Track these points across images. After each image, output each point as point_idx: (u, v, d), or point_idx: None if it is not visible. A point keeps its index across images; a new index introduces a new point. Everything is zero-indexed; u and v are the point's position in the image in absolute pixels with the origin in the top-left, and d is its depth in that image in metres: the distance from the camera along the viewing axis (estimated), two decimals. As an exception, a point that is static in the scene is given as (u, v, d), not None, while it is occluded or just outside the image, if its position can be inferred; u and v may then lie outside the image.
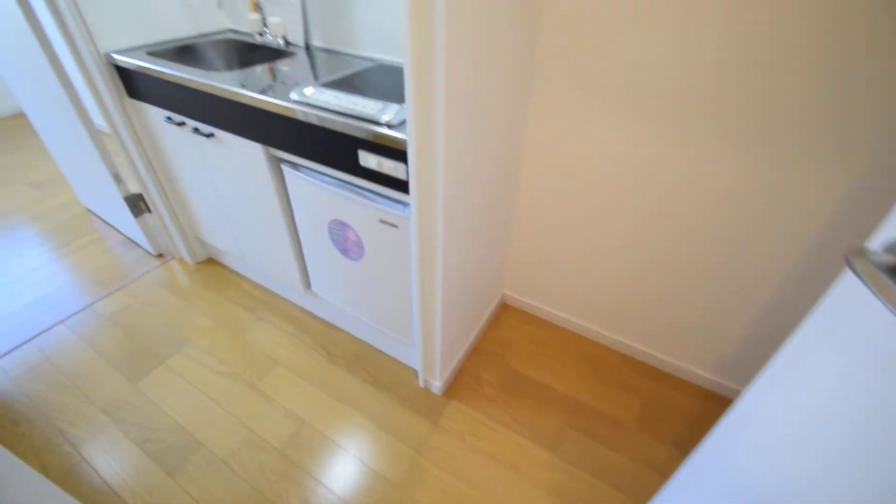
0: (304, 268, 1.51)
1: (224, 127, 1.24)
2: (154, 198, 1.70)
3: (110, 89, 1.40)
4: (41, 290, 1.75)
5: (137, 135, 1.52)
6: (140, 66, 1.29)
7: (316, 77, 1.21)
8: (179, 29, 1.52)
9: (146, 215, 1.82)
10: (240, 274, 1.85)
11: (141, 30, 1.42)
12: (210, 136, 1.29)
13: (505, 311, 1.72)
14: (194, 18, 1.55)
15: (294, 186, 1.23)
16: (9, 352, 1.51)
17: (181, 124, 1.34)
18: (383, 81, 1.14)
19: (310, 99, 1.02)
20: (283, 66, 1.31)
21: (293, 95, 1.04)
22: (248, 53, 1.57)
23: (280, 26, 1.46)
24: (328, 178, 1.15)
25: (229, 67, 1.61)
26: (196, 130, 1.32)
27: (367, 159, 0.99)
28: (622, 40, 1.01)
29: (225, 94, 1.13)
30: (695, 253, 1.21)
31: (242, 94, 1.09)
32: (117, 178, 1.69)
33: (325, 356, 1.51)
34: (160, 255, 1.94)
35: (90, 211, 2.22)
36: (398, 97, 1.02)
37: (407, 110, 0.81)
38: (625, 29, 1.00)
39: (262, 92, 1.09)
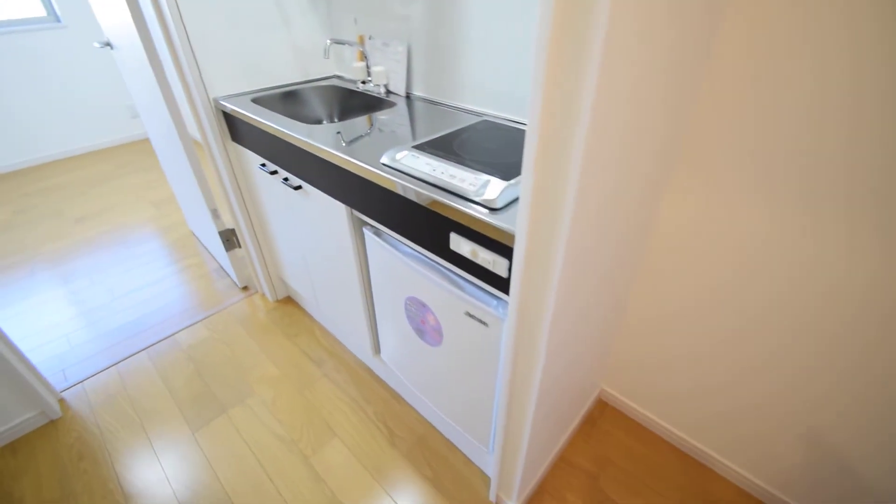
0: (376, 333, 1.38)
1: (311, 181, 1.16)
2: (244, 235, 1.70)
3: (215, 132, 1.41)
4: (137, 311, 1.84)
5: (236, 176, 1.53)
6: (240, 113, 1.27)
7: (413, 131, 1.08)
8: (289, 74, 1.52)
9: (236, 250, 1.84)
10: (313, 318, 1.78)
11: (252, 75, 1.43)
12: (298, 188, 1.22)
13: (602, 412, 1.42)
14: (303, 65, 1.54)
15: (374, 253, 1.10)
16: (94, 374, 1.56)
17: (273, 173, 1.30)
18: (487, 144, 0.97)
19: (401, 164, 0.88)
20: (382, 116, 1.21)
21: (384, 159, 0.91)
22: (349, 101, 1.52)
23: (383, 75, 1.39)
24: (411, 252, 0.99)
25: (329, 115, 1.58)
26: (286, 181, 1.27)
27: (460, 244, 0.81)
28: (788, 123, 0.73)
29: (313, 150, 1.04)
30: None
31: (330, 154, 0.99)
32: (215, 214, 1.73)
33: (385, 435, 1.34)
34: (245, 288, 1.95)
35: (193, 234, 2.36)
36: (505, 168, 0.84)
37: (522, 201, 0.62)
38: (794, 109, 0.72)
39: (352, 145, 0.97)
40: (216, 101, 1.37)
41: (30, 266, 2.14)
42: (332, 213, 1.16)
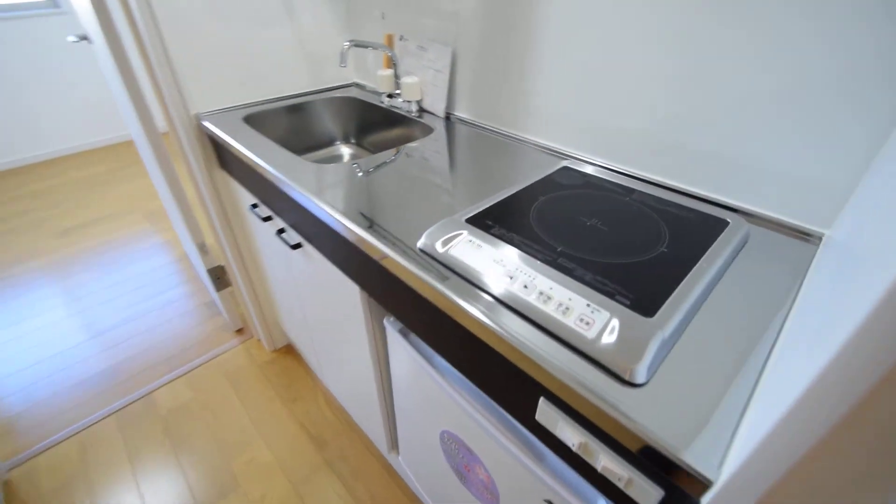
0: (394, 431, 1.05)
1: (314, 243, 0.83)
2: (236, 275, 1.39)
3: (198, 157, 1.09)
4: (115, 355, 1.55)
5: (225, 210, 1.21)
6: (221, 138, 0.95)
7: (462, 180, 0.74)
8: (295, 82, 1.19)
9: (228, 289, 1.54)
10: (317, 379, 1.46)
11: (248, 84, 1.11)
12: (297, 246, 0.89)
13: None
14: (315, 70, 1.21)
15: (398, 356, 0.77)
16: (51, 446, 1.27)
17: (267, 219, 0.98)
18: (590, 217, 0.62)
19: (452, 258, 0.54)
20: (415, 146, 0.87)
21: (424, 243, 0.57)
22: (370, 120, 1.18)
23: (415, 88, 1.04)
24: (458, 378, 0.66)
25: (345, 136, 1.24)
26: (281, 232, 0.94)
27: (556, 423, 0.47)
28: None
29: (313, 210, 0.71)
30: None
31: (339, 222, 0.65)
32: (202, 249, 1.42)
33: (402, 567, 1.02)
34: (240, 331, 1.65)
35: (188, 256, 2.06)
36: (634, 281, 0.49)
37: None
38: None
39: (371, 205, 0.64)
40: (198, 117, 1.04)
41: None
42: (341, 288, 0.83)
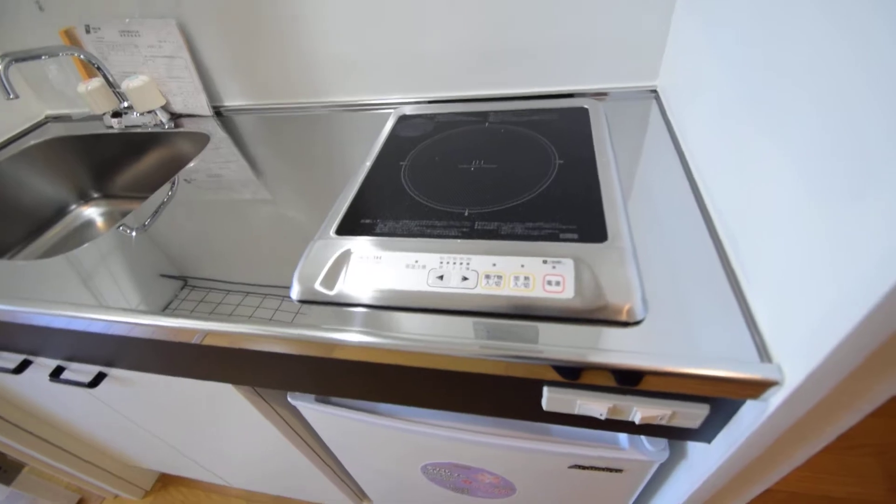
0: (354, 484, 0.88)
1: (124, 364, 0.55)
2: (22, 449, 0.92)
3: None
4: None
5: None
6: None
7: (268, 177, 0.55)
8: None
9: (26, 471, 1.04)
10: (222, 489, 1.15)
11: None
12: (97, 381, 0.59)
13: None
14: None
15: (324, 423, 0.59)
16: None
17: (21, 368, 0.62)
18: (477, 168, 0.52)
19: (352, 294, 0.38)
20: (193, 167, 0.62)
21: (300, 292, 0.40)
22: (106, 161, 0.83)
23: (150, 91, 0.74)
24: (420, 413, 0.53)
25: (82, 196, 0.87)
26: (57, 376, 0.61)
27: (574, 403, 0.38)
28: None
29: (98, 327, 0.44)
30: None
31: (152, 325, 0.42)
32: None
33: None
34: (80, 502, 1.17)
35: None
36: (567, 217, 0.42)
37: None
38: None
39: (199, 297, 0.42)
40: None
41: None
42: (202, 397, 0.58)
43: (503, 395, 0.40)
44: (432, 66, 0.66)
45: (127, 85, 0.73)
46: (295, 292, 0.40)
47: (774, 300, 0.31)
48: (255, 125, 0.73)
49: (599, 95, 0.63)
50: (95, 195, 0.89)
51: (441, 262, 0.38)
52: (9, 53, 0.62)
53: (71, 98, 0.85)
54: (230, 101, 0.79)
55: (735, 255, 0.37)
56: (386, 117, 0.66)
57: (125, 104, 0.77)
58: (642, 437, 0.46)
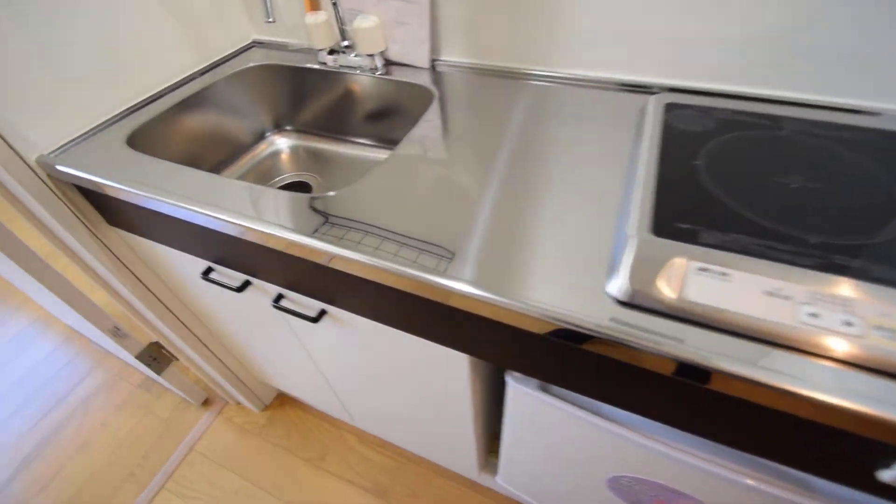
0: (486, 457, 0.90)
1: (354, 308, 0.56)
2: (180, 345, 1.02)
3: (66, 219, 0.68)
4: (53, 497, 1.12)
5: (137, 275, 0.82)
6: (109, 188, 0.58)
7: (530, 156, 0.51)
8: (180, 63, 0.77)
9: (174, 364, 1.15)
10: (338, 422, 1.22)
11: (118, 85, 0.68)
12: (318, 318, 0.61)
13: None
14: (199, 39, 0.79)
15: (526, 409, 0.58)
16: None
17: (242, 288, 0.65)
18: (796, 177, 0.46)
19: (692, 310, 0.35)
20: (421, 132, 0.60)
21: (623, 291, 0.37)
22: (311, 98, 0.84)
23: (377, 35, 0.72)
24: (648, 425, 0.50)
25: (276, 125, 0.89)
26: (279, 303, 0.64)
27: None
28: None
29: (387, 280, 0.44)
30: None
31: (446, 284, 0.41)
32: (116, 333, 1.01)
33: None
34: (206, 402, 1.30)
35: (78, 332, 1.53)
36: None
37: None
38: None
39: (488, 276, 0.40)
40: (45, 164, 0.62)
41: None
42: (414, 354, 0.59)
43: (834, 452, 0.36)
44: (700, 51, 0.58)
45: (358, 24, 0.71)
46: (619, 291, 0.37)
47: None
48: (476, 86, 0.69)
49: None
50: (287, 126, 0.91)
51: (813, 297, 0.33)
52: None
53: (284, 27, 0.86)
54: (447, 57, 0.75)
55: None
56: (642, 102, 0.60)
57: (345, 43, 0.76)
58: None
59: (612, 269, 0.39)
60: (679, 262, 0.37)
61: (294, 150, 0.90)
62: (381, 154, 0.83)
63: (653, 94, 0.62)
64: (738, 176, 0.45)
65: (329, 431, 1.20)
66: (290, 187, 0.83)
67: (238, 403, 1.28)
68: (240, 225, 0.49)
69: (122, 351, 1.06)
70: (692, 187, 0.44)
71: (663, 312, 0.36)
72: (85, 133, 0.67)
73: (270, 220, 0.48)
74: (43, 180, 0.64)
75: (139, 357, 1.05)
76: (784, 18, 0.52)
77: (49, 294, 0.90)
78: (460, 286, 0.40)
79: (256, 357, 1.01)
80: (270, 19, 0.62)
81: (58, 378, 1.40)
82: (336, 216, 0.48)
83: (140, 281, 0.83)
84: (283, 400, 1.28)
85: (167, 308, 0.91)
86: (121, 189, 0.57)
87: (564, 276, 0.40)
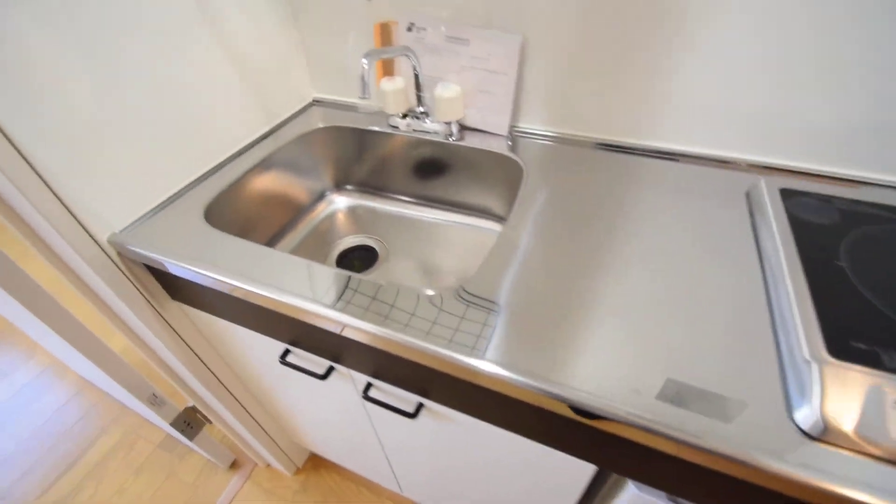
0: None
1: (465, 409, 0.52)
2: (216, 407, 0.96)
3: (129, 296, 0.64)
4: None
5: (189, 344, 0.77)
6: (168, 265, 0.54)
7: (650, 248, 0.49)
8: (247, 124, 0.75)
9: (205, 428, 1.08)
10: (374, 484, 1.15)
11: (189, 154, 0.65)
12: (416, 413, 0.56)
13: None
14: (265, 100, 0.77)
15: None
16: None
17: (326, 375, 0.61)
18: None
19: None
20: (522, 207, 0.58)
21: (817, 427, 0.33)
22: (382, 161, 0.81)
23: (457, 104, 0.71)
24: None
25: (337, 185, 0.86)
26: (368, 393, 0.59)
27: None
28: None
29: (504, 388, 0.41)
30: None
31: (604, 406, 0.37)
32: (154, 402, 0.94)
33: None
34: (234, 465, 1.22)
35: (90, 382, 1.45)
36: None
37: None
38: None
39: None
40: (117, 243, 0.58)
41: None
42: (527, 457, 0.55)
43: None
44: (811, 129, 0.57)
45: (440, 94, 0.69)
46: (810, 425, 0.34)
47: None
48: (559, 156, 0.67)
49: None
50: (348, 186, 0.88)
51: None
52: (371, 52, 0.60)
53: (347, 87, 0.84)
54: (524, 124, 0.74)
55: None
56: (742, 184, 0.59)
57: (421, 109, 0.75)
58: None
59: (796, 397, 0.36)
60: (873, 392, 0.34)
61: (352, 211, 0.87)
62: (449, 217, 0.81)
63: (738, 171, 0.60)
64: (890, 279, 0.43)
65: (370, 500, 1.12)
66: (355, 251, 0.80)
67: (268, 465, 1.21)
68: (338, 322, 0.45)
69: (155, 417, 1.00)
70: (846, 295, 0.42)
71: (870, 454, 0.33)
72: (159, 205, 0.63)
73: (394, 329, 0.44)
74: (112, 259, 0.59)
75: (173, 423, 0.99)
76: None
77: (85, 360, 0.84)
78: (632, 418, 0.36)
79: (301, 422, 0.95)
80: (366, 96, 0.60)
81: (70, 436, 1.31)
82: (468, 319, 0.45)
83: (191, 349, 0.78)
84: (316, 462, 1.20)
85: (212, 373, 0.85)
86: (198, 273, 0.53)
87: (745, 410, 0.36)
